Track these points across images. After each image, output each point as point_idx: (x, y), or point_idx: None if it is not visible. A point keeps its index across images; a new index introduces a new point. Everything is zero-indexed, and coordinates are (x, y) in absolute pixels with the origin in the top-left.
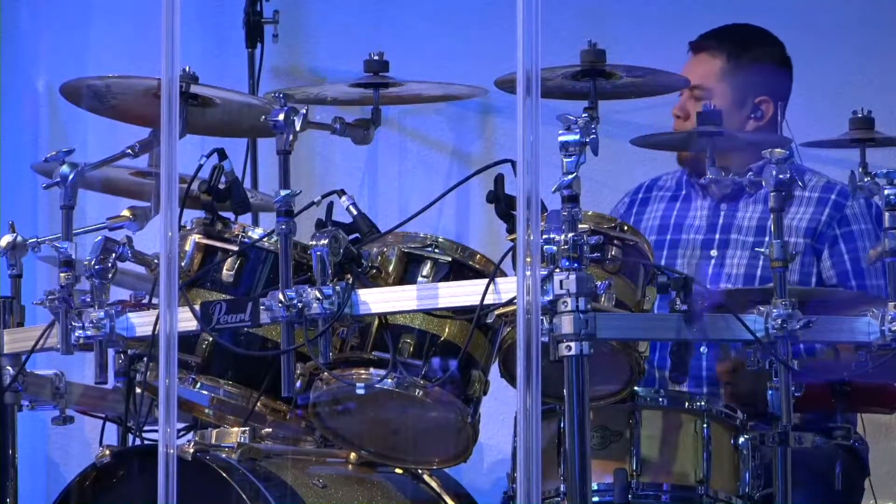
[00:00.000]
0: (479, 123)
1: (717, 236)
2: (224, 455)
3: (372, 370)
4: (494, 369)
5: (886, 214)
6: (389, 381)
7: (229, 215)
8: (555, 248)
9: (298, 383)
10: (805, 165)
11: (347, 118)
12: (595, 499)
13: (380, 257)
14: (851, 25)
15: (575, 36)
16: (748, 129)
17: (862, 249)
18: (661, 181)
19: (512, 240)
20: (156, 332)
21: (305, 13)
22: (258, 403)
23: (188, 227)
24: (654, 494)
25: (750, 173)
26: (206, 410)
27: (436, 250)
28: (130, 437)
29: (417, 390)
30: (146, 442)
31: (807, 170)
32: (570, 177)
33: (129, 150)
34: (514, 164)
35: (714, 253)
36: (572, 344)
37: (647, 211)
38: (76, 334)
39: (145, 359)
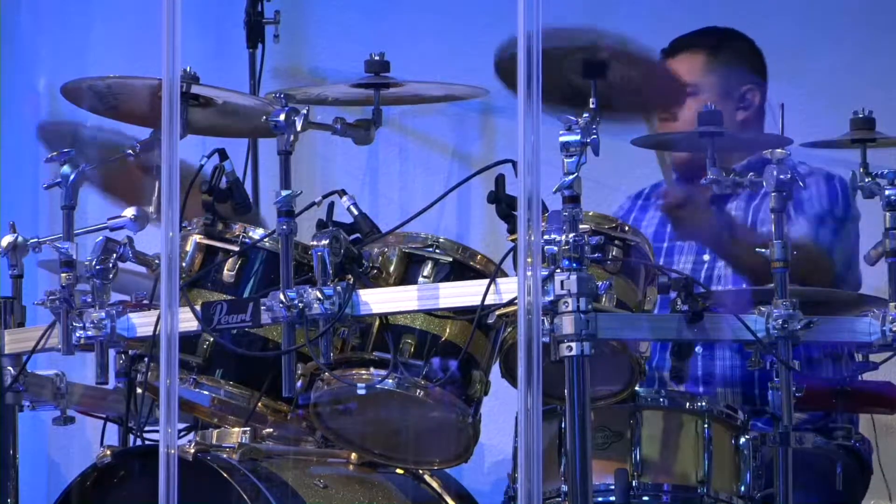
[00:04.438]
0: (479, 124)
1: None
2: (225, 455)
3: (373, 370)
4: (495, 369)
5: (887, 214)
6: (390, 381)
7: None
8: (556, 248)
9: (299, 383)
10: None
11: (348, 118)
12: (596, 499)
13: (381, 257)
14: (851, 25)
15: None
16: (738, 120)
17: (818, 228)
18: (660, 187)
19: (513, 240)
20: (157, 333)
21: (306, 13)
22: (259, 404)
23: (189, 228)
24: (655, 495)
25: (751, 174)
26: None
27: (437, 250)
28: (131, 437)
29: (418, 390)
30: (147, 442)
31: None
32: (571, 177)
33: (130, 151)
34: (514, 164)
35: (706, 257)
36: (573, 344)
37: (645, 217)
38: (77, 335)
39: (146, 359)
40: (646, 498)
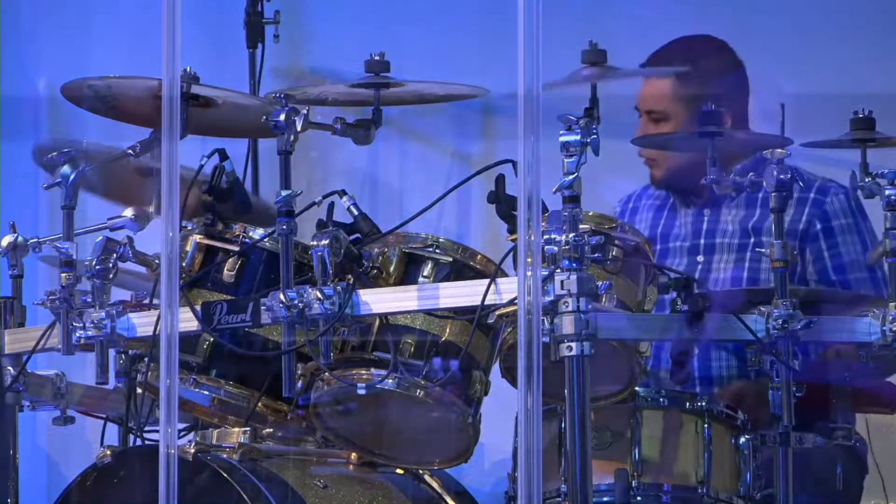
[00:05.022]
0: (479, 123)
1: (703, 241)
2: (225, 455)
3: (373, 370)
4: (495, 369)
5: (887, 214)
6: (390, 381)
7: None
8: (556, 248)
9: (299, 384)
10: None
11: (348, 118)
12: (596, 499)
13: (381, 258)
14: (851, 25)
15: (576, 36)
16: None
17: (842, 244)
18: (650, 189)
19: (513, 240)
20: (157, 333)
21: (306, 13)
22: (259, 404)
23: (189, 228)
24: (655, 495)
25: (751, 174)
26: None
27: (437, 250)
28: (131, 437)
29: (418, 391)
30: (147, 442)
31: None
32: (571, 177)
33: (130, 151)
34: (514, 164)
35: (700, 259)
36: (573, 344)
37: (636, 220)
38: (77, 335)
39: (146, 359)
40: (640, 498)
